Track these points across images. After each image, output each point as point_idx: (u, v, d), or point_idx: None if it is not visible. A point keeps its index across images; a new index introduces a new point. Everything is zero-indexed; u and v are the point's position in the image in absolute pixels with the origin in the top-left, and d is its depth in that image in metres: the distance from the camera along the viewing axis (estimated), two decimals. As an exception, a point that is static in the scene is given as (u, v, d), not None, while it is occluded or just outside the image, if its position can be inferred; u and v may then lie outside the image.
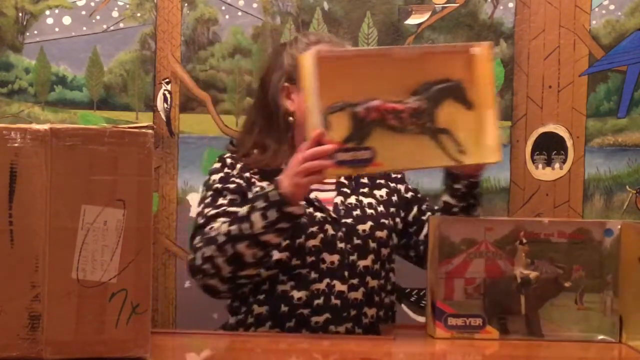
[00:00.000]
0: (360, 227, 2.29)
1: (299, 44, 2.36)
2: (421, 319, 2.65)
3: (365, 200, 2.35)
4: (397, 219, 2.39)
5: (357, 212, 2.32)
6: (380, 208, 2.35)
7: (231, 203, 2.26)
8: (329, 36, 2.46)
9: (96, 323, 1.64)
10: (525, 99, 2.95)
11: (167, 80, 3.00)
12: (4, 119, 2.96)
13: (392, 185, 2.43)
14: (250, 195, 2.27)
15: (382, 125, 2.01)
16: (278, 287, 2.23)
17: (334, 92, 1.98)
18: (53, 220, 1.62)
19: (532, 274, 2.07)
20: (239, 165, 2.34)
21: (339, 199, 2.32)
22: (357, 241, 2.28)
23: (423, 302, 2.55)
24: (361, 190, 2.38)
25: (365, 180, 2.40)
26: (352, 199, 2.34)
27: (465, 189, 2.25)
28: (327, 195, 2.33)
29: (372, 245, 2.30)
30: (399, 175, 2.47)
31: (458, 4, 2.99)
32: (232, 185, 2.29)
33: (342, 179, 2.35)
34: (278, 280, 2.23)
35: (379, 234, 2.31)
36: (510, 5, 2.98)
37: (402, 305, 2.95)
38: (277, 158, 2.30)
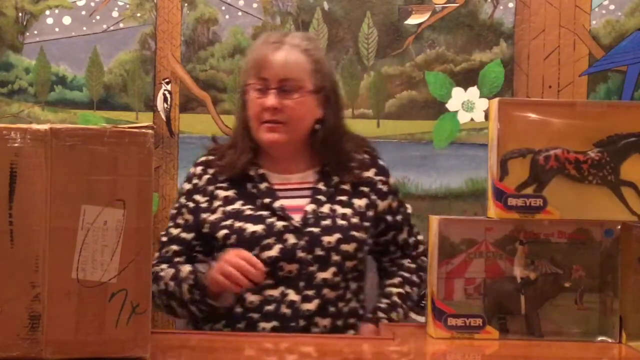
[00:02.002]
0: (326, 239, 2.22)
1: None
2: (421, 319, 2.65)
3: (340, 210, 2.27)
4: (367, 234, 2.30)
5: (327, 222, 2.24)
6: (355, 220, 2.27)
7: (185, 225, 2.29)
8: (275, 36, 2.32)
9: (96, 323, 1.64)
10: (525, 99, 2.95)
11: (167, 80, 3.00)
12: (4, 119, 2.96)
13: (373, 197, 2.32)
14: (211, 204, 2.27)
15: (561, 173, 2.02)
16: None
17: (516, 137, 2.02)
18: (53, 220, 1.62)
19: (532, 274, 2.07)
20: (208, 175, 2.31)
21: (310, 207, 2.25)
22: (319, 252, 2.21)
23: (423, 302, 2.55)
24: (339, 198, 2.28)
25: (346, 187, 2.30)
26: (325, 208, 2.26)
27: None
28: (298, 202, 2.27)
29: (335, 258, 2.22)
30: (385, 188, 2.35)
31: (458, 4, 2.99)
32: (191, 204, 2.29)
33: (320, 186, 2.29)
34: None
35: (344, 247, 2.23)
36: (510, 5, 2.98)
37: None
38: (241, 158, 2.27)
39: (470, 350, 2.00)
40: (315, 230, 2.22)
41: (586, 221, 2.06)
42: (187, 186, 2.33)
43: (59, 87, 3.02)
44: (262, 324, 2.20)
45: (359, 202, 2.29)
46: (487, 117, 2.79)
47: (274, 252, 2.19)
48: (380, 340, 2.10)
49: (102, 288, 1.64)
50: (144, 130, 1.66)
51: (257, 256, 2.17)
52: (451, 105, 3.00)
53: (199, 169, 2.33)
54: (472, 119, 2.99)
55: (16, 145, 1.60)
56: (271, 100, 2.21)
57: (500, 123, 2.03)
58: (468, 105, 2.99)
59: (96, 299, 1.64)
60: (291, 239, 2.20)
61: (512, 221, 2.05)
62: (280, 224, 2.21)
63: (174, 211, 2.33)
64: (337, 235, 2.22)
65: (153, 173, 1.72)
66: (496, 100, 2.07)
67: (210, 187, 2.29)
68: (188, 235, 2.28)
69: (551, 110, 2.05)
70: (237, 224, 2.22)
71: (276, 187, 2.28)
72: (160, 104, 3.01)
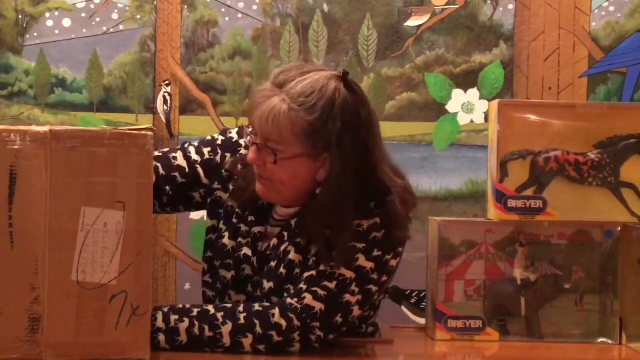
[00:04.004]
0: (265, 284, 1.95)
1: None
2: (421, 321, 2.65)
3: (291, 255, 1.93)
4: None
5: (273, 263, 1.95)
6: (297, 271, 1.92)
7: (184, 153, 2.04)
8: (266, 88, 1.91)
9: (96, 325, 1.64)
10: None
11: (167, 82, 3.00)
12: (4, 121, 2.96)
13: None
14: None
15: (561, 175, 2.04)
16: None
17: (516, 139, 2.04)
18: (53, 222, 1.62)
19: (532, 276, 2.07)
20: (226, 155, 2.04)
21: (274, 241, 1.97)
22: (258, 294, 1.96)
23: (423, 304, 2.55)
24: (298, 240, 1.94)
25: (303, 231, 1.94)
26: (283, 247, 1.95)
27: None
28: (275, 230, 2.00)
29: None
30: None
31: (458, 6, 2.99)
32: (199, 158, 2.03)
33: (293, 221, 1.95)
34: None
35: (274, 299, 1.92)
36: (510, 7, 2.98)
37: (402, 307, 2.95)
38: (249, 189, 1.99)
39: (471, 352, 2.00)
40: (265, 268, 1.97)
41: (586, 222, 2.06)
42: (210, 138, 2.07)
43: (58, 90, 3.02)
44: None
45: (314, 249, 1.91)
46: (487, 118, 2.79)
47: (228, 275, 1.99)
48: (380, 342, 2.10)
49: (102, 290, 1.64)
50: (143, 133, 1.66)
51: (216, 268, 2.01)
52: (451, 107, 3.00)
53: (220, 138, 2.07)
54: (472, 121, 2.99)
55: (16, 147, 1.60)
56: (250, 154, 1.92)
57: (500, 125, 2.03)
58: (468, 107, 2.99)
59: (96, 301, 1.64)
60: (248, 270, 1.98)
61: (512, 223, 2.05)
62: (245, 251, 1.99)
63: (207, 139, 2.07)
64: (271, 285, 1.94)
65: (153, 175, 1.73)
66: (496, 102, 2.07)
67: (216, 182, 2.05)
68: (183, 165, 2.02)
69: (551, 112, 2.06)
70: (222, 224, 2.02)
71: (278, 209, 2.01)
72: (160, 106, 3.01)
